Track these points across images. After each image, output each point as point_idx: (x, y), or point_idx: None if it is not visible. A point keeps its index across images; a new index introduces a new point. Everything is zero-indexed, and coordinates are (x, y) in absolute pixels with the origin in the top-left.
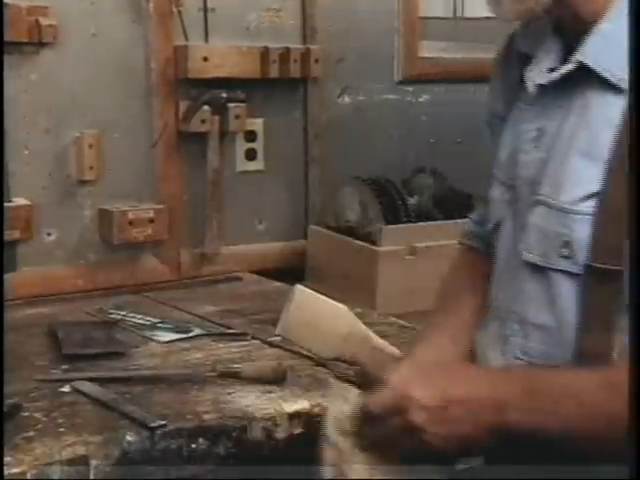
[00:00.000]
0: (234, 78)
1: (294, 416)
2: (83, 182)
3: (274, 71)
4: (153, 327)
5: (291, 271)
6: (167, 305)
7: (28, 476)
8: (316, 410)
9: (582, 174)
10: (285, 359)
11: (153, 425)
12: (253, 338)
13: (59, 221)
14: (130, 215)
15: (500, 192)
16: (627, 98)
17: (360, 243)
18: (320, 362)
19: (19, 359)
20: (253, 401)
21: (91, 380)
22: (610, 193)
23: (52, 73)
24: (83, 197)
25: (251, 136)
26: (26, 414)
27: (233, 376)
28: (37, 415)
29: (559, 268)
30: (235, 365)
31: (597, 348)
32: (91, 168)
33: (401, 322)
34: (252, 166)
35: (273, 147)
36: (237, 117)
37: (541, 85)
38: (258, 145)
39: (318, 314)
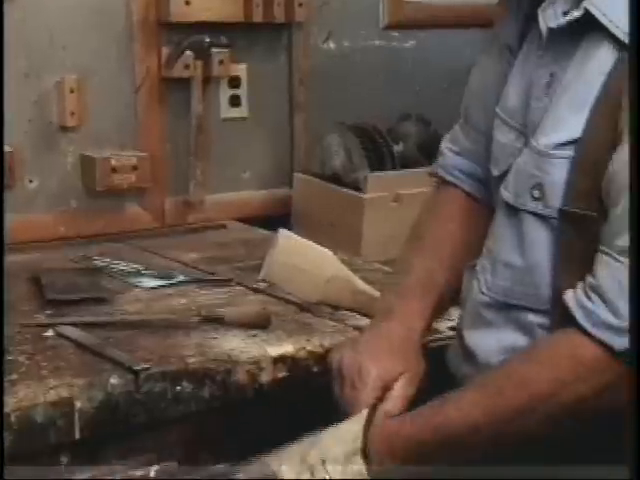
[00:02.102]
0: (217, 22)
1: (278, 360)
2: (65, 128)
3: (258, 15)
4: (137, 274)
5: (276, 219)
6: (151, 252)
7: (12, 418)
8: (300, 354)
9: (565, 121)
10: (270, 304)
11: (137, 368)
12: (237, 284)
13: (41, 168)
14: (113, 162)
15: (511, 137)
16: (628, 56)
17: (345, 190)
18: (304, 307)
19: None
20: (237, 345)
21: (75, 325)
22: (589, 140)
23: (31, 16)
24: (65, 143)
25: (235, 82)
26: (10, 358)
27: (217, 321)
28: (21, 359)
29: (529, 209)
30: (219, 310)
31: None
32: (73, 114)
33: (386, 268)
34: (236, 113)
35: (257, 94)
36: (221, 62)
37: (552, 28)
38: (242, 92)
39: (302, 258)
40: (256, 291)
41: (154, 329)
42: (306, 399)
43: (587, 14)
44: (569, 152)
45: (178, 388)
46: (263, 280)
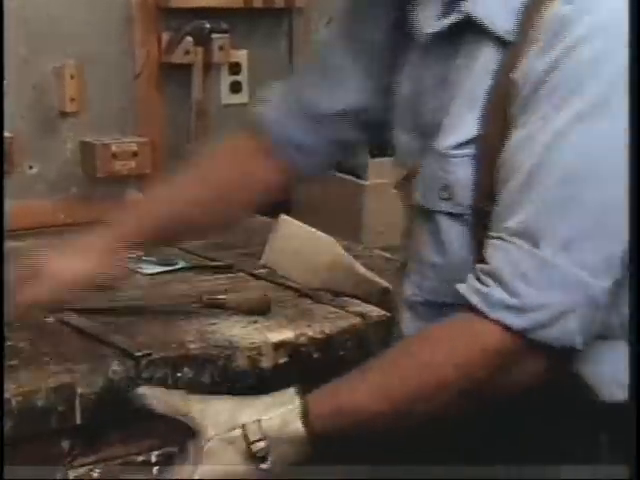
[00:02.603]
0: (217, 8)
1: (279, 346)
2: (65, 114)
3: (258, 0)
4: (137, 260)
5: (276, 205)
6: None
7: (13, 403)
8: (301, 340)
9: (461, 120)
10: (270, 290)
11: (138, 354)
12: (238, 270)
13: (41, 154)
14: (113, 148)
15: (404, 138)
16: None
17: (345, 177)
18: (305, 293)
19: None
20: (238, 331)
21: (76, 311)
22: (486, 137)
23: (30, 2)
24: (65, 129)
25: (235, 69)
26: (10, 343)
27: (218, 307)
28: (22, 345)
29: (441, 210)
30: (220, 296)
31: None
32: (72, 100)
33: (386, 255)
34: (237, 99)
35: (258, 80)
36: (221, 48)
37: (430, 33)
38: (242, 78)
39: (303, 244)
40: (257, 277)
41: (155, 315)
42: (306, 385)
43: (466, 17)
44: (469, 150)
45: (179, 374)
46: (264, 266)
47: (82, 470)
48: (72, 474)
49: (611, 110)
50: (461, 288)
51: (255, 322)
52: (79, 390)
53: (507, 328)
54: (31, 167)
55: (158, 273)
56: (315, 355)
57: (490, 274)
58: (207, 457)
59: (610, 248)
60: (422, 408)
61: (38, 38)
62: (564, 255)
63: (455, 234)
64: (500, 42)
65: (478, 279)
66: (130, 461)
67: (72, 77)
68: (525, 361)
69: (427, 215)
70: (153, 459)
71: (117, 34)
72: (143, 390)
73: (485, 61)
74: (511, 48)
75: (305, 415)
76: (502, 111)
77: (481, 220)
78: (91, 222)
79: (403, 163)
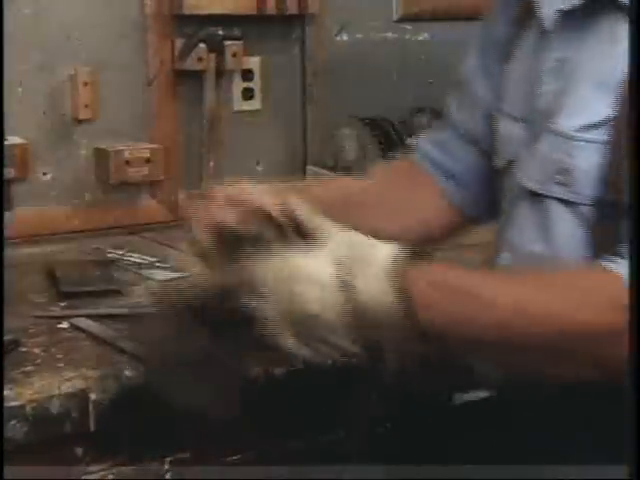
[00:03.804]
0: (230, 15)
1: None
2: (78, 121)
3: (270, 7)
4: (150, 266)
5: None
6: (164, 245)
7: (27, 409)
8: None
9: (591, 102)
10: None
11: None
12: None
13: (55, 160)
14: (126, 154)
15: (512, 128)
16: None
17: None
18: None
19: (17, 296)
20: None
21: (90, 317)
22: (618, 121)
23: (45, 8)
24: (79, 136)
25: (248, 75)
26: (24, 349)
27: None
28: (36, 350)
29: (554, 195)
30: None
31: None
32: (86, 106)
33: None
34: (249, 106)
35: (270, 86)
36: (234, 55)
37: (561, 12)
38: (255, 84)
39: None
40: None
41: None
42: (320, 391)
43: None
44: (596, 135)
45: None
46: None
47: (96, 476)
48: None
49: None
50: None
51: None
52: (93, 396)
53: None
54: (45, 174)
55: (171, 279)
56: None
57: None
58: None
59: None
60: (540, 341)
61: (52, 45)
62: None
63: (566, 223)
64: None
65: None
66: (143, 468)
67: (86, 84)
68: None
69: (535, 200)
70: (166, 466)
71: (131, 41)
72: None
73: (619, 41)
74: None
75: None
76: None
77: (601, 212)
78: (105, 228)
79: (504, 153)
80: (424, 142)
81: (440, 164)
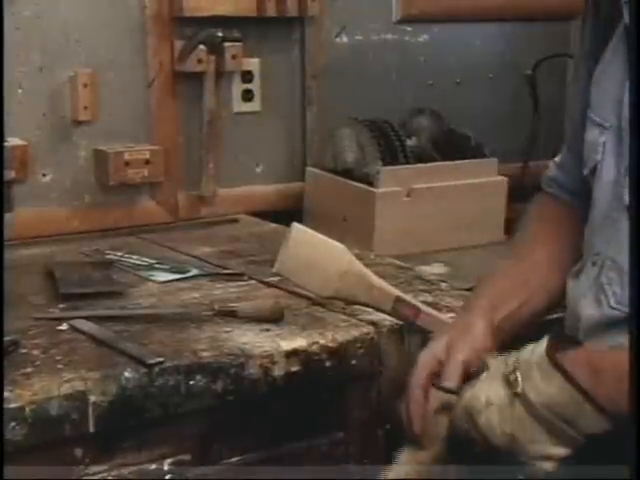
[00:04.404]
0: (230, 16)
1: (291, 354)
2: (78, 122)
3: (270, 9)
4: (150, 268)
5: (288, 213)
6: (164, 246)
7: (26, 411)
8: (313, 348)
9: None
10: (282, 298)
11: (151, 362)
12: (250, 278)
13: (54, 162)
14: (126, 156)
15: (596, 134)
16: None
17: (357, 185)
18: (317, 301)
19: (16, 298)
20: (251, 339)
21: (89, 318)
22: None
23: (44, 11)
24: (78, 137)
25: (248, 77)
26: (24, 351)
27: (230, 315)
28: (35, 352)
29: None
30: (232, 304)
31: None
32: (86, 108)
33: (398, 263)
34: (249, 107)
35: (270, 88)
36: (234, 57)
37: None
38: (255, 86)
39: (315, 252)
40: (269, 285)
41: (167, 323)
42: (319, 393)
43: None
44: None
45: (191, 382)
46: (276, 274)
47: (95, 478)
48: None
49: None
50: None
51: (267, 330)
52: (92, 398)
53: None
54: (45, 175)
55: (171, 281)
56: (327, 363)
57: None
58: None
59: None
60: None
61: (52, 47)
62: None
63: None
64: None
65: None
66: (143, 469)
67: (86, 86)
68: None
69: (623, 211)
70: (166, 467)
71: (130, 43)
72: None
73: None
74: None
75: (550, 347)
76: None
77: None
78: (104, 229)
79: (589, 161)
80: (552, 168)
81: (564, 185)
